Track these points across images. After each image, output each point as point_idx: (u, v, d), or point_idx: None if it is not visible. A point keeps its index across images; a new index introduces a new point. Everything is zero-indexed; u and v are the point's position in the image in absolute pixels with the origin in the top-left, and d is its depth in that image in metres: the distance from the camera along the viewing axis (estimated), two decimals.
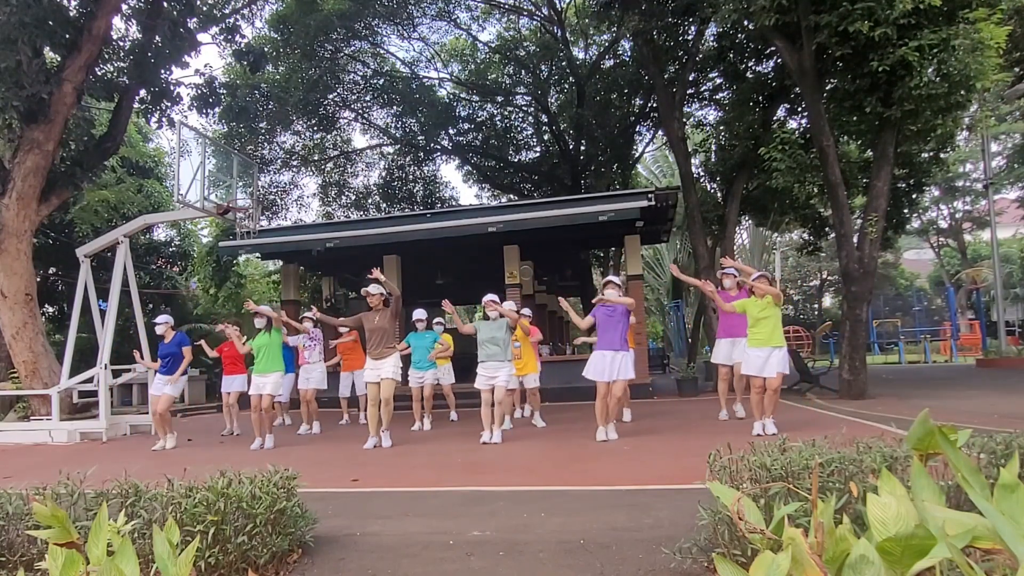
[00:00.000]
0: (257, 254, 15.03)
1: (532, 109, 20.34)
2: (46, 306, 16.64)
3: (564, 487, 4.21)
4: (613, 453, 5.45)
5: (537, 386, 7.92)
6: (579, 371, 8.42)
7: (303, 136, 19.84)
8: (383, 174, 21.83)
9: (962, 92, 7.87)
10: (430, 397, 8.16)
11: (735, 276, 7.37)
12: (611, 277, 6.56)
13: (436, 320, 8.93)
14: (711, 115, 16.55)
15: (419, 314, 8.35)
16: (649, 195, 10.27)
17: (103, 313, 9.93)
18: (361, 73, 18.97)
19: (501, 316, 6.66)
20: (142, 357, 8.72)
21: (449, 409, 9.01)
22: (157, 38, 10.62)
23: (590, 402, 9.41)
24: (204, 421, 11.17)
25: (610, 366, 6.19)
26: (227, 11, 13.07)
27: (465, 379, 9.02)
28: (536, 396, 7.95)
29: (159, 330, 7.85)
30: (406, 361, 7.57)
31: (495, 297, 6.83)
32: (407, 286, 12.77)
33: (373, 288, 6.61)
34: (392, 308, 6.63)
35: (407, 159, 21.49)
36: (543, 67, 18.81)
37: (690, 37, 12.64)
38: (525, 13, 18.46)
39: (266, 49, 14.64)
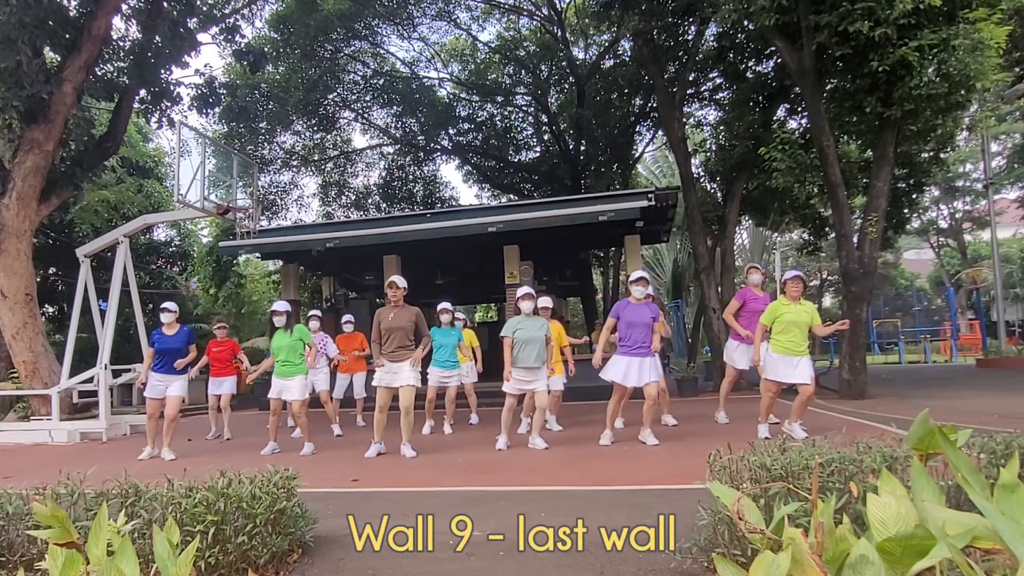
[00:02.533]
0: (257, 254, 15.03)
1: (532, 109, 20.34)
2: (46, 306, 16.66)
3: (564, 487, 4.21)
4: (613, 453, 5.46)
5: (560, 390, 7.21)
6: (579, 371, 8.41)
7: (303, 136, 19.85)
8: (383, 174, 21.84)
9: (962, 92, 7.86)
10: (453, 399, 7.56)
11: (760, 269, 7.01)
12: (641, 273, 6.01)
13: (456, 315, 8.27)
14: (711, 115, 16.58)
15: (445, 306, 7.59)
16: (649, 195, 10.27)
17: (103, 313, 9.94)
18: (361, 73, 18.98)
19: (537, 312, 6.11)
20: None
21: (470, 411, 8.34)
22: (157, 38, 10.61)
23: (588, 402, 9.45)
24: (203, 421, 11.16)
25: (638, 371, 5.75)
26: (227, 11, 13.07)
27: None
28: (557, 400, 7.34)
29: (165, 319, 6.79)
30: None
31: (531, 290, 6.10)
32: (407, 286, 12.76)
33: (400, 280, 6.03)
34: (420, 344, 5.99)
35: (407, 159, 21.50)
36: (543, 67, 18.81)
37: (690, 37, 12.63)
38: (525, 13, 18.46)
39: (266, 49, 14.64)
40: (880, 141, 8.89)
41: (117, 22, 10.73)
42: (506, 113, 20.74)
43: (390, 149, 21.82)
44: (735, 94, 12.44)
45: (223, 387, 8.13)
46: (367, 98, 19.59)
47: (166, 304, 7.00)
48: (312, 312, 8.23)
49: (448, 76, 20.19)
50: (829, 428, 5.71)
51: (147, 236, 18.18)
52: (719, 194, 13.73)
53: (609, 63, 17.42)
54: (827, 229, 12.57)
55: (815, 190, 10.58)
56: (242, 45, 12.78)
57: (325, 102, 18.23)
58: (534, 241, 11.68)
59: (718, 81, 14.37)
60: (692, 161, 12.93)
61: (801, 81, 9.12)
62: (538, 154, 21.08)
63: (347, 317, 8.82)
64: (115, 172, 15.52)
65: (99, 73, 10.75)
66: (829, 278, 30.39)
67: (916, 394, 9.26)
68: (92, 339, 11.15)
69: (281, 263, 14.20)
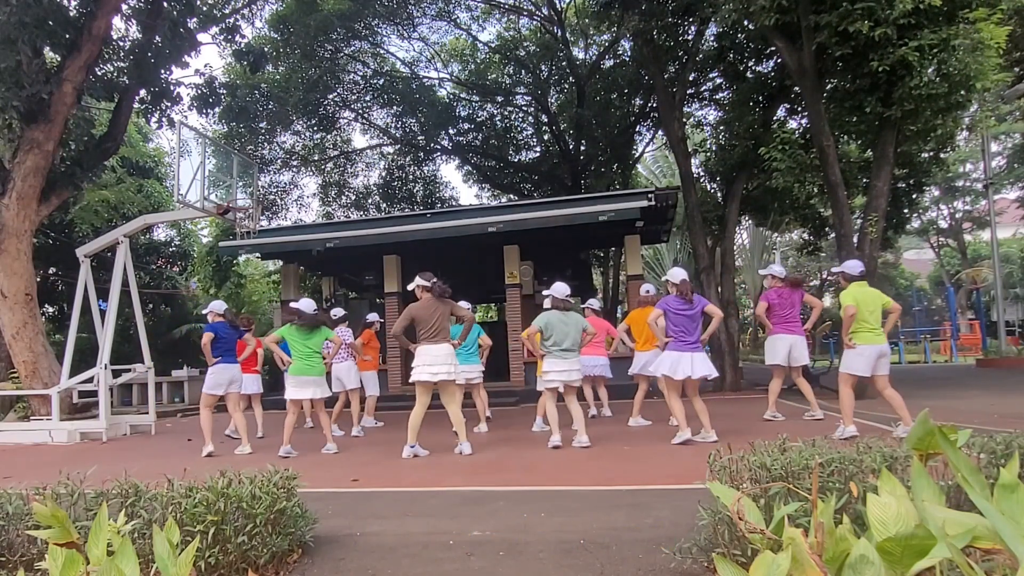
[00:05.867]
0: (257, 254, 15.03)
1: (532, 109, 20.34)
2: (46, 306, 16.65)
3: (564, 487, 4.21)
4: (613, 453, 5.45)
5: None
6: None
7: (303, 136, 19.85)
8: (383, 174, 21.85)
9: (962, 92, 7.87)
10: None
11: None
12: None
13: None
14: (711, 115, 16.56)
15: (467, 305, 7.31)
16: (649, 195, 10.27)
17: (103, 313, 9.93)
18: (361, 73, 18.98)
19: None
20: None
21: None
22: (157, 38, 10.61)
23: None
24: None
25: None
26: (227, 11, 13.08)
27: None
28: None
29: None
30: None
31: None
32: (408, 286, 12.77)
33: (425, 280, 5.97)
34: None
35: (407, 159, 21.50)
36: (543, 67, 18.81)
37: (690, 37, 12.63)
38: (525, 13, 18.46)
39: (266, 49, 14.63)
40: (880, 141, 8.89)
41: (117, 22, 10.74)
42: (506, 113, 20.74)
43: (390, 149, 21.83)
44: (735, 94, 12.44)
45: (254, 386, 7.97)
46: (367, 98, 19.59)
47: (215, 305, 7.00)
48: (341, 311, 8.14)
49: (448, 76, 20.21)
50: (829, 428, 5.73)
51: (147, 236, 18.17)
52: (719, 194, 13.72)
53: (609, 63, 17.42)
54: (827, 229, 12.56)
55: (815, 190, 10.58)
56: (242, 45, 12.77)
57: (325, 102, 18.22)
58: (534, 241, 11.68)
59: (718, 81, 14.36)
60: (692, 161, 12.92)
61: (801, 81, 9.12)
62: (538, 154, 21.08)
63: (372, 316, 8.71)
64: (115, 172, 15.50)
65: (99, 73, 10.74)
66: (829, 278, 30.37)
67: (916, 394, 9.24)
68: (92, 339, 11.14)
69: (281, 263, 14.21)
